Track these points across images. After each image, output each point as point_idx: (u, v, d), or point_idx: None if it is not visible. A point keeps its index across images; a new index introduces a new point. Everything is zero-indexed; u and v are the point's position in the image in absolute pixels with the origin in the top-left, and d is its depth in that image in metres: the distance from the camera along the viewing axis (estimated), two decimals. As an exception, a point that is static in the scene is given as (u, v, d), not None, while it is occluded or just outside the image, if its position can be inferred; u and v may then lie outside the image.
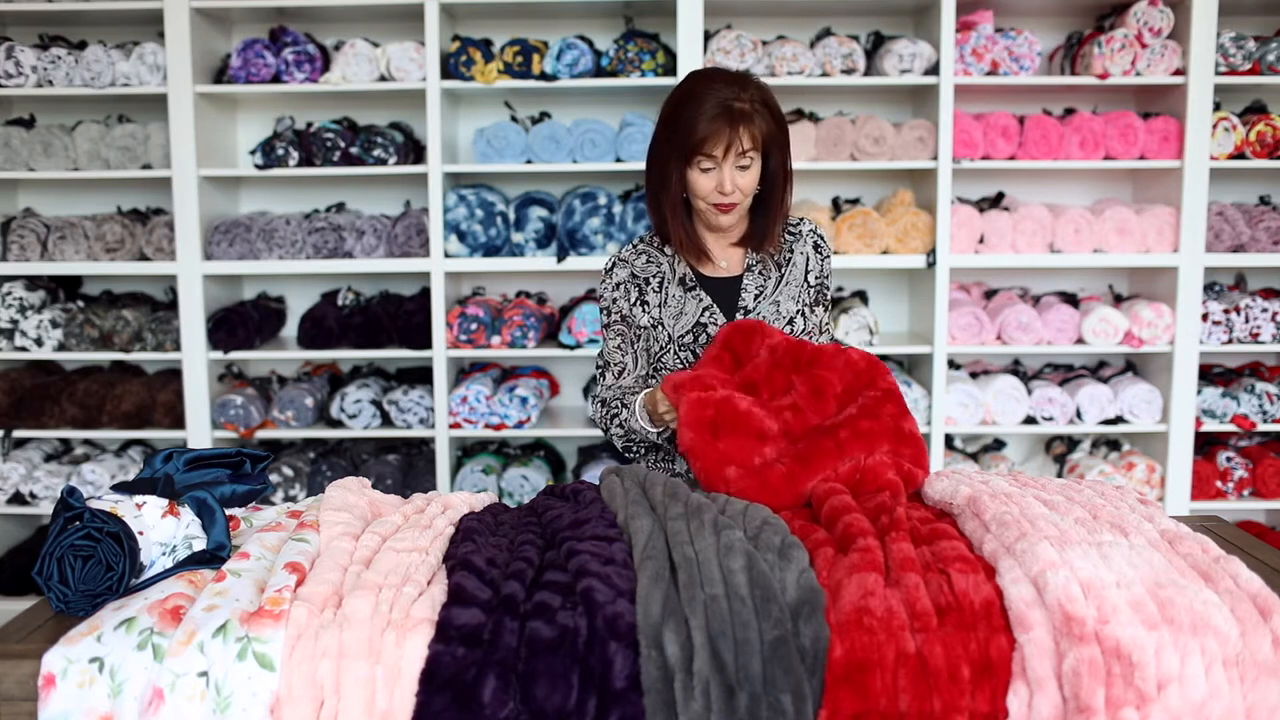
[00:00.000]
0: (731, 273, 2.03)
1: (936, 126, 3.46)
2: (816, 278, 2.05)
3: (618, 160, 3.53)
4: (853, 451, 1.67)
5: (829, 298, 2.09)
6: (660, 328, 2.00)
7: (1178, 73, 3.47)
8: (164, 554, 1.42)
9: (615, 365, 2.06)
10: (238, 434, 3.61)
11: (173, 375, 3.73)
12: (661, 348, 2.01)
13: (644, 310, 2.01)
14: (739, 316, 1.98)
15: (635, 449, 2.06)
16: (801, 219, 2.08)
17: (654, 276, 2.02)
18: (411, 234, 3.60)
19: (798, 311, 2.01)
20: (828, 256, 2.07)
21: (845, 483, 1.63)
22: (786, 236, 2.05)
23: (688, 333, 1.98)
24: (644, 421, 1.93)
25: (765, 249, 2.01)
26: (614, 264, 2.05)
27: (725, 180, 1.88)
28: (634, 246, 2.07)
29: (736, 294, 2.01)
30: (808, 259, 2.04)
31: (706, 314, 1.99)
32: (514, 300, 3.74)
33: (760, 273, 2.02)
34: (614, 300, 2.04)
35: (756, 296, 2.00)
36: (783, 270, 2.03)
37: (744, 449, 1.68)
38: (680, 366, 1.99)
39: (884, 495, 1.57)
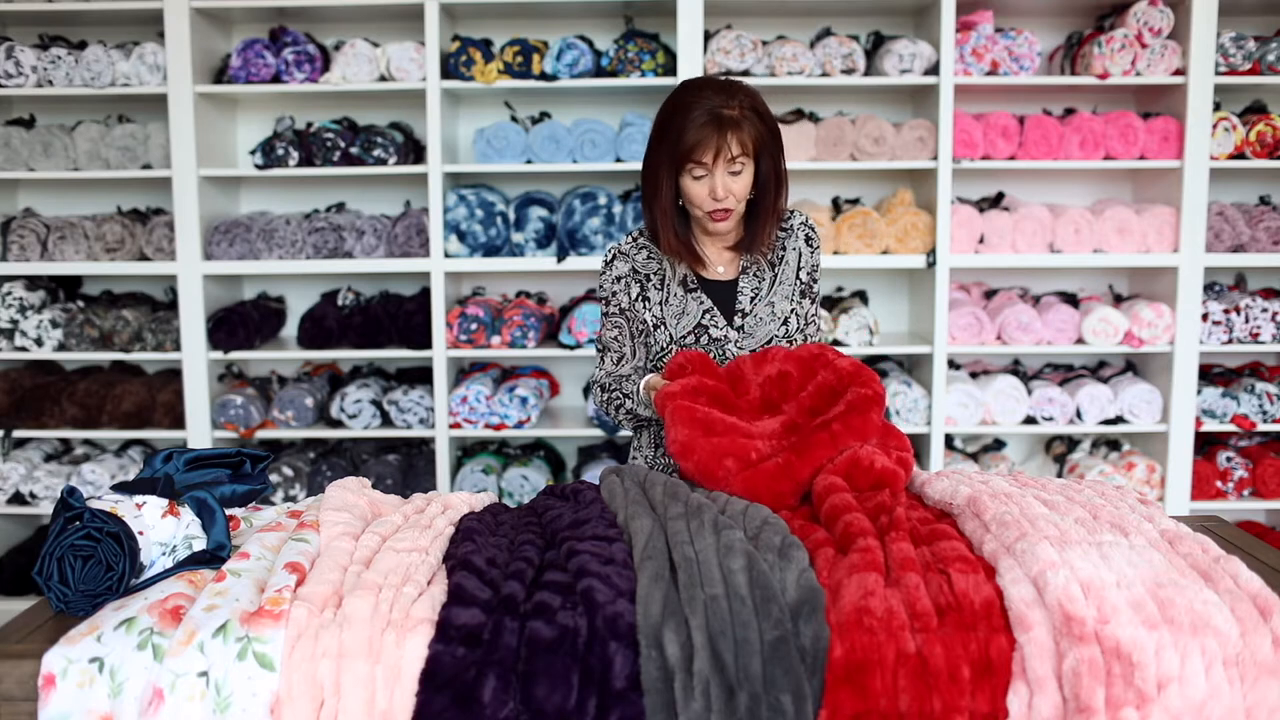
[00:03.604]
0: (727, 277, 2.05)
1: (936, 126, 3.46)
2: (808, 273, 2.07)
3: (618, 160, 3.53)
4: (846, 442, 1.67)
5: (817, 290, 2.10)
6: (662, 328, 2.01)
7: (1178, 73, 3.47)
8: (164, 554, 1.42)
9: (613, 352, 2.08)
10: (238, 434, 3.61)
11: (173, 375, 3.73)
12: (663, 348, 2.02)
13: (645, 307, 2.03)
14: (737, 320, 2.01)
15: (644, 426, 2.09)
16: (794, 211, 2.09)
17: (654, 274, 2.04)
18: (411, 234, 3.60)
19: (791, 311, 2.03)
20: (817, 248, 2.09)
21: (841, 473, 1.64)
22: (779, 233, 2.07)
23: (689, 333, 2.00)
24: (651, 410, 1.95)
25: (757, 251, 2.03)
26: (614, 256, 2.06)
27: (718, 187, 1.91)
28: (634, 239, 2.07)
29: (733, 297, 2.03)
30: (800, 254, 2.06)
31: (708, 316, 2.00)
32: (514, 300, 3.74)
33: (755, 274, 2.04)
34: (613, 293, 2.05)
35: (752, 299, 2.02)
36: (776, 269, 2.05)
37: (738, 444, 1.68)
38: None
39: (884, 494, 1.57)
